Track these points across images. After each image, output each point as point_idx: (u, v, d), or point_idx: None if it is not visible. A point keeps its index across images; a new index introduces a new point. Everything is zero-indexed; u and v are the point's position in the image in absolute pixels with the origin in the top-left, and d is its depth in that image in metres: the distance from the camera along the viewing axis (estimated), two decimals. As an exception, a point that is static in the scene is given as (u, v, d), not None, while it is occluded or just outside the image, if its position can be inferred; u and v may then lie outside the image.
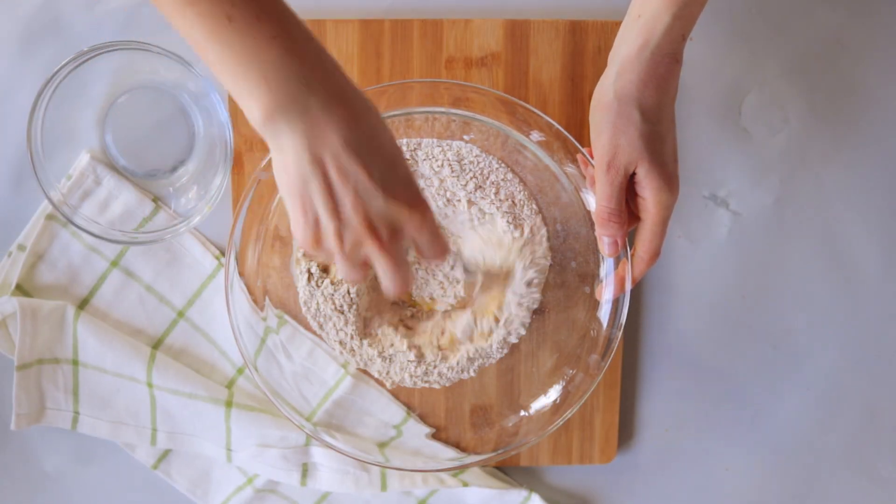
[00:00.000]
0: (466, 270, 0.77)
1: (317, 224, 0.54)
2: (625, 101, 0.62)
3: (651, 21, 0.62)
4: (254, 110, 0.51)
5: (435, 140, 0.75)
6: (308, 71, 0.51)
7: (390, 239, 0.55)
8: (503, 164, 0.76)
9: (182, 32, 0.51)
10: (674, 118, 0.64)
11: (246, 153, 0.77)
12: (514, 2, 0.78)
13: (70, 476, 0.82)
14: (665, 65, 0.62)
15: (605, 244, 0.69)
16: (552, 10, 0.79)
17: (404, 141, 0.75)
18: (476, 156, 0.75)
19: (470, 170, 0.75)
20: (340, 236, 0.54)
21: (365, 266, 0.56)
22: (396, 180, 0.54)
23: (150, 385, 0.77)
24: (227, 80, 0.51)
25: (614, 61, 0.64)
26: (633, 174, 0.64)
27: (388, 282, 0.56)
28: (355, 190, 0.53)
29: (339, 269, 0.56)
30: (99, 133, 0.77)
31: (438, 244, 0.57)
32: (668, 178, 0.63)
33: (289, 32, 0.51)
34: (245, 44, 0.49)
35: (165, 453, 0.81)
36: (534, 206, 0.76)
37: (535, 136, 0.73)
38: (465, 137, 0.75)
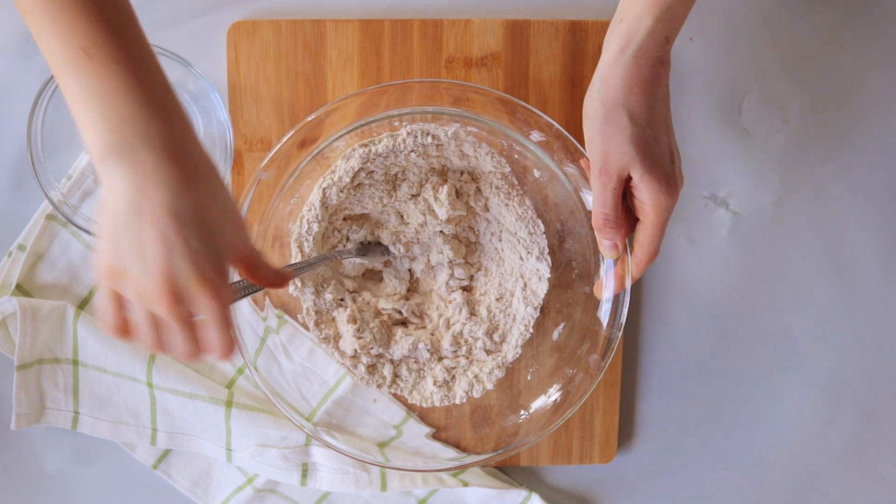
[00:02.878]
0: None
1: (117, 266, 0.52)
2: (611, 107, 0.62)
3: (633, 25, 0.61)
4: (92, 145, 0.51)
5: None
6: (152, 123, 0.50)
7: (179, 306, 0.52)
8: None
9: (41, 46, 0.51)
10: (668, 120, 0.64)
11: (246, 153, 0.77)
12: (514, 2, 0.78)
13: (70, 476, 0.82)
14: (649, 68, 0.62)
15: (605, 247, 0.69)
16: (552, 10, 0.79)
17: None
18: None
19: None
20: (136, 285, 0.52)
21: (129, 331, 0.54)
22: (210, 258, 0.52)
23: (150, 385, 0.77)
24: (73, 106, 0.51)
25: (598, 68, 0.63)
26: (631, 178, 0.64)
27: (180, 349, 0.54)
28: (164, 253, 0.51)
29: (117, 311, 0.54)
30: None
31: (222, 340, 0.54)
32: (665, 180, 0.63)
33: (143, 81, 0.50)
34: (95, 81, 0.50)
35: (165, 453, 0.81)
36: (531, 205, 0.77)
37: (535, 136, 0.73)
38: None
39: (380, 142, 0.74)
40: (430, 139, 0.74)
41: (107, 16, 0.50)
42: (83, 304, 0.79)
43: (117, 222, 0.51)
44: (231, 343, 0.54)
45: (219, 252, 0.53)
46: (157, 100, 0.51)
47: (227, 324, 0.53)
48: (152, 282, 0.51)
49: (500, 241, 0.78)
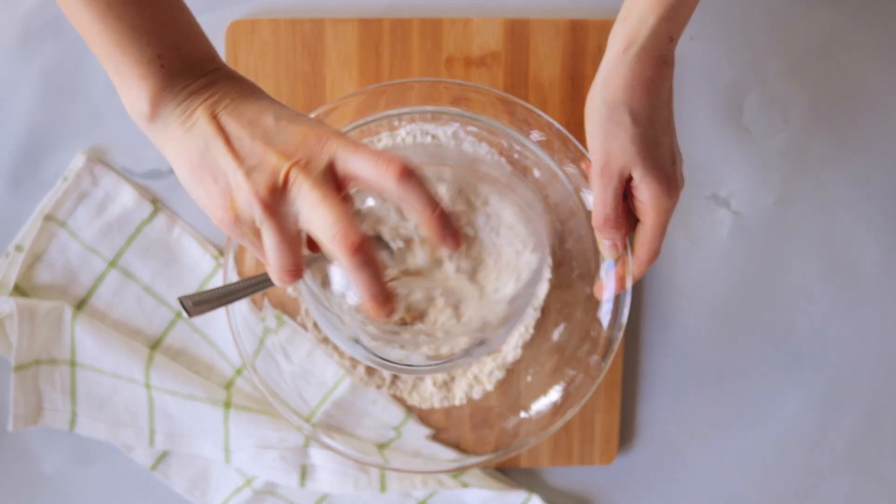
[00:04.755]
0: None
1: (228, 191, 0.49)
2: (613, 105, 0.62)
3: (637, 23, 0.61)
4: (141, 95, 0.49)
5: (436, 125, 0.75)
6: (203, 55, 0.51)
7: (308, 165, 0.48)
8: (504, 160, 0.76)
9: (73, 17, 0.49)
10: (670, 120, 0.64)
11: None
12: (514, 1, 0.78)
13: (68, 477, 0.82)
14: (652, 67, 0.61)
15: (604, 247, 0.69)
16: (552, 9, 0.78)
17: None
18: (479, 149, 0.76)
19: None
20: (257, 186, 0.48)
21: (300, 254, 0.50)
22: (296, 114, 0.51)
23: (148, 386, 0.77)
24: (115, 56, 0.49)
25: (602, 67, 0.63)
26: (632, 178, 0.64)
27: (331, 233, 0.48)
28: (258, 134, 0.49)
29: (274, 258, 0.50)
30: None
31: (369, 154, 0.49)
32: (665, 181, 0.63)
33: (182, 16, 0.51)
34: (143, 20, 0.48)
35: (163, 454, 0.81)
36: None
37: (535, 135, 0.73)
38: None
39: (379, 141, 0.74)
40: (429, 139, 0.73)
41: None
42: (81, 304, 0.78)
43: (203, 145, 0.50)
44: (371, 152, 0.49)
45: (300, 115, 0.52)
46: (194, 29, 0.52)
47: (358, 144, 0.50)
48: (271, 163, 0.49)
49: (498, 235, 0.78)
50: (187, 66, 0.50)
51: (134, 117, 0.51)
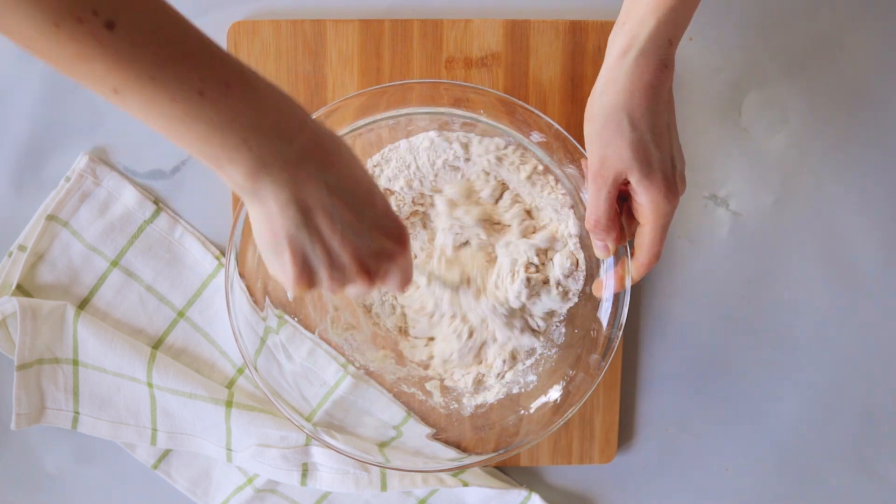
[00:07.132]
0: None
1: (309, 270, 0.54)
2: (611, 111, 0.62)
3: (636, 27, 0.61)
4: (236, 174, 0.49)
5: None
6: (284, 123, 0.50)
7: (377, 270, 0.56)
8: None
9: (150, 121, 0.48)
10: (671, 124, 0.64)
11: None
12: (514, 2, 0.78)
13: (70, 476, 0.82)
14: (651, 71, 0.61)
15: (597, 248, 0.70)
16: (552, 10, 0.79)
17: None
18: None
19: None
20: (334, 279, 0.55)
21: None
22: (378, 214, 0.55)
23: (150, 385, 0.78)
24: (203, 150, 0.49)
25: (602, 71, 0.63)
26: (629, 181, 0.64)
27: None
28: (342, 232, 0.53)
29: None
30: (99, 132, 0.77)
31: (408, 275, 0.59)
32: (664, 186, 0.63)
33: (258, 92, 0.49)
34: (220, 114, 0.48)
35: (165, 453, 0.81)
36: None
37: (536, 136, 0.73)
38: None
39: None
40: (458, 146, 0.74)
41: (195, 46, 0.48)
42: (83, 304, 0.79)
43: (292, 228, 0.52)
44: (411, 274, 0.59)
45: (382, 202, 0.56)
46: (277, 101, 0.50)
47: (410, 260, 0.59)
48: (349, 269, 0.54)
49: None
50: (275, 139, 0.50)
51: (229, 184, 0.51)
